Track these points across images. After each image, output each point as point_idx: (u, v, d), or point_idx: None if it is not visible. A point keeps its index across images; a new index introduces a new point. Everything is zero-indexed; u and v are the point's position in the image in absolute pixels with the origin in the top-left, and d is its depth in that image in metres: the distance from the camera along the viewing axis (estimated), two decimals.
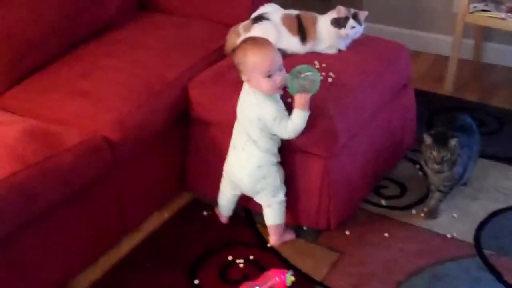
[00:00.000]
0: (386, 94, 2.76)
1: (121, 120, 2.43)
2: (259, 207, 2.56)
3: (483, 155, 2.89)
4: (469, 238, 2.57)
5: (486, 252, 2.50)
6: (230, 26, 2.85)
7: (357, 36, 2.73)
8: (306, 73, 2.33)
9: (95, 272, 2.49)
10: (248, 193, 2.55)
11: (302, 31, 2.72)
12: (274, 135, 2.41)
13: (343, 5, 2.69)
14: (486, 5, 3.44)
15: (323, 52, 2.74)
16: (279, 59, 2.34)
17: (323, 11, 2.76)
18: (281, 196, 2.51)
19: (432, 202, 2.68)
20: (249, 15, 2.81)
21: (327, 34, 2.71)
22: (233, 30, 2.81)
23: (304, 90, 2.33)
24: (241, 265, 2.48)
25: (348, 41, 2.75)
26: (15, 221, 2.12)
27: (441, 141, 2.52)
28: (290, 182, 2.54)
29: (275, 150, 2.46)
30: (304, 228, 2.63)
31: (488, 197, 2.78)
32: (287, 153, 2.50)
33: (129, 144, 2.46)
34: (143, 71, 2.65)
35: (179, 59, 2.75)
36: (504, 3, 3.42)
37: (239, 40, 2.65)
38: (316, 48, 2.75)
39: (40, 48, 2.69)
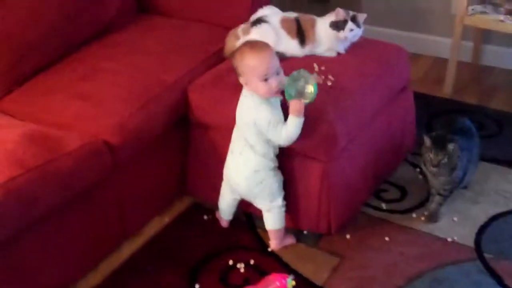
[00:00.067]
0: (385, 96, 2.76)
1: (121, 123, 2.42)
2: (259, 211, 2.56)
3: (482, 158, 2.88)
4: (470, 241, 2.57)
5: (487, 256, 2.50)
6: (229, 29, 2.84)
7: (356, 38, 2.73)
8: (303, 80, 2.30)
9: (96, 276, 2.48)
10: (246, 197, 2.55)
11: (301, 34, 2.72)
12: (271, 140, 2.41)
13: (342, 7, 2.69)
14: (485, 7, 3.44)
15: (322, 55, 2.74)
16: (276, 63, 2.33)
17: (322, 14, 2.76)
18: (279, 201, 2.50)
19: (432, 205, 2.68)
20: (248, 18, 2.81)
21: (326, 37, 2.71)
22: (232, 33, 2.81)
23: (300, 96, 2.31)
24: (242, 270, 2.47)
25: (347, 43, 2.75)
26: (15, 225, 2.11)
27: (439, 144, 2.52)
28: (290, 186, 2.54)
29: (272, 155, 2.46)
30: (305, 232, 2.63)
31: (489, 200, 2.78)
32: (287, 157, 2.50)
33: (129, 148, 2.45)
34: (143, 74, 2.65)
35: (179, 62, 2.75)
36: (503, 5, 3.42)
37: (238, 43, 2.65)
38: (315, 51, 2.75)
39: (40, 49, 2.69)
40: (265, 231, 2.58)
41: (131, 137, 2.44)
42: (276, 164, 2.49)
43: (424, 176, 2.76)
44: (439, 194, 2.65)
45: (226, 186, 2.60)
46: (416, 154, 2.89)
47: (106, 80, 2.61)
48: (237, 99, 2.44)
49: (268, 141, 2.40)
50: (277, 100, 2.39)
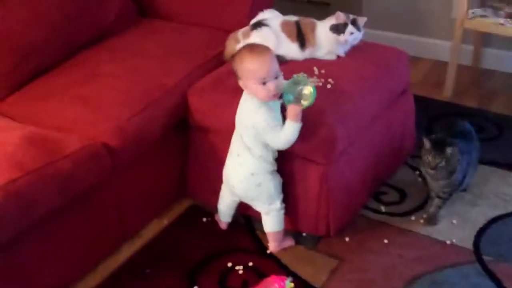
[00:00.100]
0: (385, 100, 2.76)
1: (120, 126, 2.43)
2: (258, 213, 2.56)
3: (482, 161, 2.89)
4: (469, 244, 2.57)
5: (486, 258, 2.50)
6: (229, 32, 2.85)
7: (356, 42, 2.73)
8: (302, 85, 2.30)
9: (95, 278, 2.48)
10: (244, 199, 2.55)
11: (301, 37, 2.72)
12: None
13: (342, 11, 2.70)
14: (485, 10, 3.45)
15: (322, 58, 2.75)
16: (275, 67, 2.32)
17: (322, 17, 2.77)
18: (278, 204, 2.51)
19: (431, 208, 2.68)
20: (248, 21, 2.82)
21: (326, 40, 2.72)
22: (232, 36, 2.81)
23: (298, 101, 2.30)
24: (241, 272, 2.47)
25: (347, 47, 2.76)
26: (15, 228, 2.11)
27: (439, 147, 2.52)
28: (289, 189, 2.54)
29: (270, 158, 2.46)
30: (304, 234, 2.63)
31: (488, 203, 2.78)
32: (286, 159, 2.50)
33: (129, 151, 2.46)
34: (143, 78, 2.65)
35: (179, 65, 2.75)
36: (503, 9, 3.43)
37: (238, 46, 2.65)
38: (315, 54, 2.75)
39: (41, 49, 2.70)
40: (264, 233, 2.59)
41: (130, 140, 2.45)
42: (275, 167, 2.49)
43: (424, 178, 2.76)
44: (439, 197, 2.65)
45: (225, 188, 2.60)
46: (415, 157, 2.89)
47: (105, 84, 2.62)
48: (237, 103, 2.44)
49: (266, 145, 2.40)
50: (276, 104, 2.39)
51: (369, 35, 2.88)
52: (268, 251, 2.57)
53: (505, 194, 2.83)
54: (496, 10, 3.43)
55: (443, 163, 2.50)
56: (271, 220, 2.53)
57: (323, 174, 2.47)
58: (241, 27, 2.81)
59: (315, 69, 2.65)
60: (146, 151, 2.57)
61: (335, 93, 2.53)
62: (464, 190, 2.81)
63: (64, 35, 2.78)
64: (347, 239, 2.61)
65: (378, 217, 2.73)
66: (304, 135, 2.38)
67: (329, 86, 2.56)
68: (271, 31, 2.70)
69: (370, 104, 2.64)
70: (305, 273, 2.46)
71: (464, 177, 2.65)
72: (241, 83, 2.37)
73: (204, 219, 2.75)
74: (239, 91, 2.42)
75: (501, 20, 3.36)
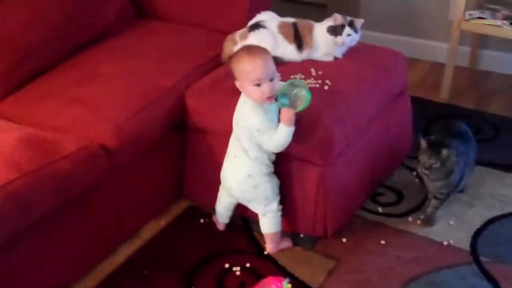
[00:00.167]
0: (383, 101, 2.77)
1: (118, 127, 2.43)
2: (255, 214, 2.56)
3: (479, 162, 2.89)
4: (466, 245, 2.57)
5: (483, 259, 2.50)
6: (227, 33, 2.85)
7: (353, 43, 2.74)
8: (297, 89, 2.29)
9: (92, 279, 2.48)
10: (241, 201, 2.56)
11: (299, 39, 2.73)
12: None
13: (339, 13, 2.70)
14: (482, 12, 3.46)
15: (320, 59, 2.76)
16: (271, 69, 2.32)
17: (319, 19, 2.77)
18: (274, 205, 2.51)
19: (428, 209, 2.68)
20: (246, 23, 2.82)
21: (324, 42, 2.72)
22: (230, 38, 2.82)
23: (293, 104, 2.29)
24: (238, 273, 2.48)
25: (344, 48, 2.76)
26: (12, 229, 2.11)
27: (434, 148, 2.52)
28: (286, 190, 2.55)
29: (267, 160, 2.46)
30: (301, 235, 2.63)
31: (485, 204, 2.79)
32: (283, 160, 2.51)
33: (126, 152, 2.46)
34: (141, 79, 2.66)
35: (176, 66, 2.76)
36: (500, 10, 3.43)
37: (236, 48, 2.66)
38: (312, 56, 2.76)
39: (41, 49, 2.70)
40: (261, 234, 2.59)
41: (128, 141, 2.45)
42: (271, 169, 2.49)
43: (421, 179, 2.77)
44: (436, 198, 2.65)
45: (223, 190, 2.60)
46: (412, 158, 2.90)
47: (103, 85, 2.62)
48: (235, 104, 2.45)
49: (261, 147, 2.40)
50: (273, 106, 2.38)
51: (366, 37, 2.89)
52: (266, 252, 2.58)
53: (502, 195, 2.83)
54: (493, 12, 3.44)
55: (438, 164, 2.51)
56: (268, 222, 2.53)
57: (320, 176, 2.48)
58: (239, 28, 2.81)
59: (313, 70, 2.66)
60: (144, 152, 2.57)
61: (333, 95, 2.54)
62: (461, 191, 2.81)
63: (64, 35, 2.79)
64: (344, 240, 2.62)
65: (375, 218, 2.74)
66: (301, 136, 2.38)
67: (326, 87, 2.57)
68: (268, 33, 2.71)
69: (368, 105, 2.65)
70: (303, 274, 2.47)
71: (461, 178, 2.65)
72: (238, 84, 2.37)
73: (202, 220, 2.75)
74: (236, 93, 2.43)
75: (498, 22, 3.37)
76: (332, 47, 2.73)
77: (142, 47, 2.91)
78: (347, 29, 2.67)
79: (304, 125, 2.38)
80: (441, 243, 2.59)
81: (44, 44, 2.70)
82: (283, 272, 2.47)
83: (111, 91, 2.58)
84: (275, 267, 2.50)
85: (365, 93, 2.64)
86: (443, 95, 3.63)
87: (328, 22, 2.70)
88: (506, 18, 3.38)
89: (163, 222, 2.75)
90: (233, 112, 2.45)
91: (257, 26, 2.74)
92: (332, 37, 2.68)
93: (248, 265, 2.50)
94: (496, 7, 3.46)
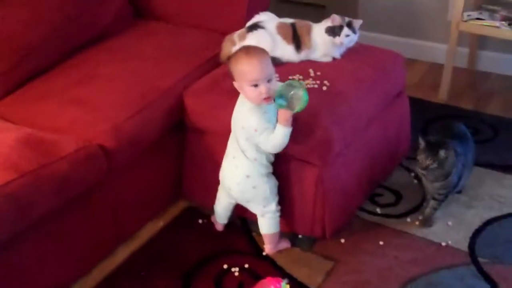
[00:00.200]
0: (381, 102, 2.77)
1: (116, 128, 2.43)
2: (254, 215, 2.56)
3: (477, 163, 2.90)
4: (464, 246, 2.58)
5: (481, 260, 2.50)
6: (225, 34, 2.85)
7: (351, 44, 2.74)
8: (294, 90, 2.28)
9: (90, 280, 2.48)
10: (239, 201, 2.56)
11: (297, 40, 2.73)
12: None
13: (337, 13, 2.70)
14: (480, 13, 3.46)
15: (318, 60, 2.76)
16: (268, 70, 2.31)
17: (317, 19, 2.78)
18: (273, 206, 2.51)
19: (427, 210, 2.68)
20: (244, 24, 2.82)
21: (322, 43, 2.72)
22: (228, 38, 2.82)
23: (290, 105, 2.29)
24: (236, 274, 2.48)
25: (343, 49, 2.76)
26: (10, 229, 2.11)
27: (432, 148, 2.52)
28: (285, 190, 2.55)
29: (265, 160, 2.46)
30: (300, 236, 2.63)
31: (483, 205, 2.79)
32: (282, 161, 2.51)
33: (125, 152, 2.46)
34: (139, 80, 2.66)
35: (175, 67, 2.76)
36: (498, 11, 3.44)
37: (234, 48, 2.66)
38: (310, 56, 2.76)
39: (41, 49, 2.70)
40: (260, 235, 2.59)
41: (126, 141, 2.45)
42: (269, 170, 2.49)
43: (419, 180, 2.77)
44: (434, 199, 2.65)
45: (222, 190, 2.60)
46: (411, 159, 2.90)
47: (102, 85, 2.62)
48: (233, 105, 2.45)
49: (258, 147, 2.40)
50: (271, 107, 2.37)
51: (365, 38, 2.89)
52: (264, 253, 2.58)
53: (500, 196, 2.83)
54: (491, 13, 3.44)
55: (435, 165, 2.51)
56: (267, 222, 2.53)
57: (319, 176, 2.48)
58: (237, 29, 2.81)
59: (311, 71, 2.66)
60: (143, 153, 2.57)
61: (331, 95, 2.54)
62: (460, 192, 2.81)
63: (64, 35, 2.79)
64: (342, 240, 2.62)
65: (374, 219, 2.74)
66: (300, 137, 2.38)
67: (324, 88, 2.57)
68: (267, 33, 2.71)
69: (366, 106, 2.65)
70: (301, 274, 2.47)
71: (459, 179, 2.65)
72: (236, 84, 2.37)
73: (200, 221, 2.75)
74: (235, 93, 2.42)
75: (497, 23, 3.37)
76: (331, 48, 2.73)
77: (140, 47, 2.91)
78: (346, 30, 2.67)
79: (302, 125, 2.38)
80: (440, 244, 2.59)
81: (44, 44, 2.70)
82: (281, 272, 2.48)
83: (109, 91, 2.58)
84: (274, 268, 2.50)
85: (364, 93, 2.64)
86: (441, 96, 3.63)
87: (327, 23, 2.70)
88: (504, 19, 3.38)
89: (161, 223, 2.75)
90: (231, 113, 2.45)
91: (255, 26, 2.74)
92: (331, 37, 2.69)
93: (246, 265, 2.51)
94: (495, 8, 3.47)
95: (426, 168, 2.53)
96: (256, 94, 2.30)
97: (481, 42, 3.83)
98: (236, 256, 2.57)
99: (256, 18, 2.81)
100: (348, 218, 2.70)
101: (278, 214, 2.53)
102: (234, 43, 2.75)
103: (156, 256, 2.59)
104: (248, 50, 2.38)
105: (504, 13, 3.41)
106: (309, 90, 2.36)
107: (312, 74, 2.64)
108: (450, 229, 2.67)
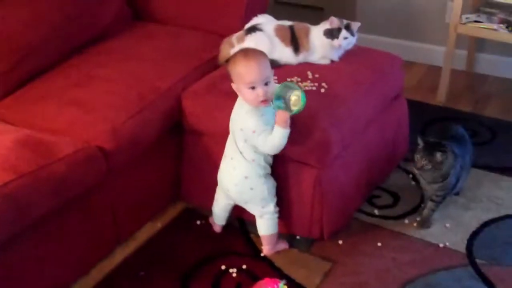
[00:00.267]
0: (379, 104, 2.77)
1: (115, 129, 2.43)
2: (252, 216, 2.57)
3: (475, 165, 2.90)
4: (462, 247, 2.58)
5: (479, 261, 2.51)
6: (223, 36, 2.86)
7: (349, 46, 2.75)
8: (291, 92, 2.28)
9: (88, 281, 2.48)
10: (238, 202, 2.56)
11: (295, 42, 2.74)
12: None
13: (336, 16, 2.71)
14: (478, 16, 3.47)
15: (316, 62, 2.76)
16: (266, 73, 2.32)
17: (316, 22, 2.78)
18: (271, 207, 2.51)
19: (425, 211, 2.69)
20: (243, 26, 2.83)
21: (320, 45, 2.73)
22: (226, 40, 2.82)
23: (287, 107, 2.29)
24: (234, 275, 2.48)
25: (341, 51, 2.77)
26: (8, 230, 2.11)
27: (429, 150, 2.53)
28: (283, 192, 2.55)
29: (263, 162, 2.46)
30: (297, 237, 2.64)
31: (481, 206, 2.79)
32: (280, 162, 2.51)
33: (123, 154, 2.46)
34: (137, 81, 2.66)
35: (173, 69, 2.76)
36: (496, 14, 3.44)
37: (233, 50, 2.67)
38: (309, 59, 2.76)
39: (41, 49, 2.71)
40: (258, 236, 2.59)
41: (125, 143, 2.45)
42: (267, 171, 2.49)
43: (417, 182, 2.77)
44: (432, 200, 2.66)
45: (220, 191, 2.61)
46: (409, 161, 2.90)
47: (100, 87, 2.62)
48: (231, 106, 2.45)
49: (256, 149, 2.41)
50: (269, 109, 2.37)
51: (363, 40, 2.90)
52: (262, 254, 2.58)
53: (498, 198, 2.84)
54: (489, 16, 3.45)
55: (429, 166, 2.52)
56: (265, 223, 2.54)
57: (317, 178, 2.48)
58: (236, 31, 2.82)
59: (309, 73, 2.66)
60: (141, 154, 2.57)
61: (329, 98, 2.54)
62: (457, 193, 2.82)
63: (64, 35, 2.79)
64: (340, 242, 2.62)
65: (372, 220, 2.74)
66: (298, 139, 2.39)
67: (323, 90, 2.57)
68: (265, 36, 2.71)
69: (364, 108, 2.65)
70: (299, 276, 2.47)
71: (457, 180, 2.66)
72: (234, 86, 2.37)
73: (198, 222, 2.75)
74: (233, 95, 2.43)
75: (495, 26, 3.38)
76: (329, 50, 2.74)
77: (139, 49, 2.91)
78: (344, 32, 2.67)
79: (301, 127, 2.39)
80: (437, 246, 2.59)
81: (44, 44, 2.71)
82: (279, 274, 2.48)
83: (108, 93, 2.58)
84: (272, 269, 2.51)
85: (362, 96, 2.65)
86: (439, 98, 3.64)
87: (325, 25, 2.71)
88: (502, 21, 3.39)
89: (159, 224, 2.75)
90: (229, 114, 2.46)
91: (253, 29, 2.75)
92: (329, 40, 2.69)
93: (244, 267, 2.51)
94: (493, 10, 3.48)
95: (421, 168, 2.54)
96: (253, 97, 2.31)
97: (479, 44, 3.84)
98: (234, 257, 2.57)
99: (254, 21, 2.82)
100: (346, 220, 2.70)
101: (276, 215, 2.53)
102: (232, 45, 2.76)
103: (154, 257, 2.59)
104: (247, 52, 2.38)
105: (502, 16, 3.42)
106: (307, 93, 2.37)
107: (310, 76, 2.65)
108: (448, 230, 2.67)
